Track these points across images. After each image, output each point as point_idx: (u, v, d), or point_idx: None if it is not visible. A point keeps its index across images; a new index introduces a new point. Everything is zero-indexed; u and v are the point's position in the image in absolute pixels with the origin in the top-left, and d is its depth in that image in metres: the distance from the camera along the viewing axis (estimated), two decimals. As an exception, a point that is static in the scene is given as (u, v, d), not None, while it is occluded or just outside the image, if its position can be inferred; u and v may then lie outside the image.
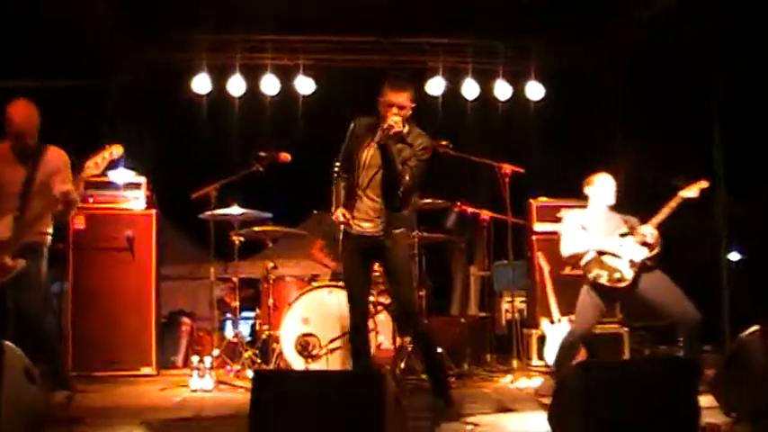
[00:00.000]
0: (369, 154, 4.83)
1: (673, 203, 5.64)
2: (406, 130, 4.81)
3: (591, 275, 5.71)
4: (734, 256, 8.79)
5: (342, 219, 4.85)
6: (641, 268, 5.60)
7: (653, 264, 5.63)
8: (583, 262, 5.75)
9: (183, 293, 8.62)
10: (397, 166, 4.70)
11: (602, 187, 5.91)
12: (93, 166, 4.80)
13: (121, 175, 6.61)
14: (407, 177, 4.74)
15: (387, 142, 4.67)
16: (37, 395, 3.49)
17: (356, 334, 4.92)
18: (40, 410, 3.55)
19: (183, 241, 9.29)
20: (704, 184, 5.70)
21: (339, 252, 5.19)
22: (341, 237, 4.96)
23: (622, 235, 5.72)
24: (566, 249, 5.86)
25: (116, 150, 4.87)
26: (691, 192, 5.67)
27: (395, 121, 4.67)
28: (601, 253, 5.72)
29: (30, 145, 4.89)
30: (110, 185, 6.61)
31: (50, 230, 4.92)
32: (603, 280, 5.68)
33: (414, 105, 4.88)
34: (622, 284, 5.63)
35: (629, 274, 5.62)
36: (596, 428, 3.23)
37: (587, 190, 5.95)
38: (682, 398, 3.31)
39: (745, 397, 3.95)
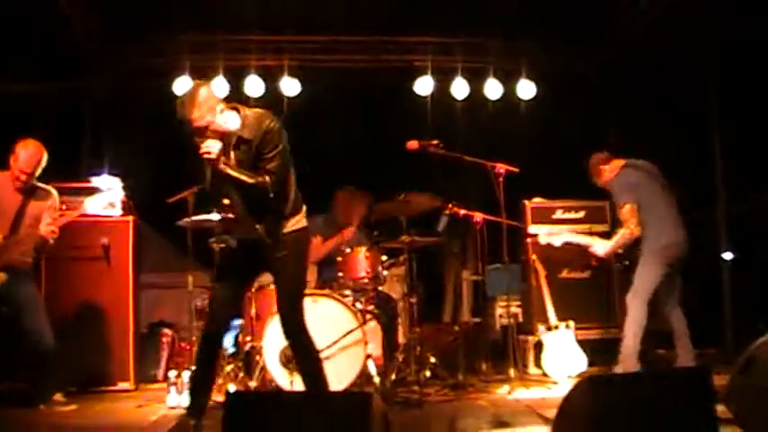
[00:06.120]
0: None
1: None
2: (235, 128, 4.19)
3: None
4: (727, 256, 8.62)
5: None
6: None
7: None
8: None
9: (165, 303, 8.24)
10: (250, 180, 4.14)
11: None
12: (92, 206, 5.37)
13: (106, 182, 6.15)
14: (271, 180, 4.16)
15: (220, 167, 4.08)
16: None
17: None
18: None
19: (165, 248, 8.95)
20: None
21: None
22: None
23: None
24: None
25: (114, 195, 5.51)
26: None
27: (206, 148, 4.04)
28: None
29: (30, 182, 5.34)
30: (83, 192, 6.20)
31: (31, 260, 5.35)
32: None
33: (221, 108, 4.18)
34: None
35: None
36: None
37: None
38: (698, 413, 3.03)
39: (759, 409, 3.68)
